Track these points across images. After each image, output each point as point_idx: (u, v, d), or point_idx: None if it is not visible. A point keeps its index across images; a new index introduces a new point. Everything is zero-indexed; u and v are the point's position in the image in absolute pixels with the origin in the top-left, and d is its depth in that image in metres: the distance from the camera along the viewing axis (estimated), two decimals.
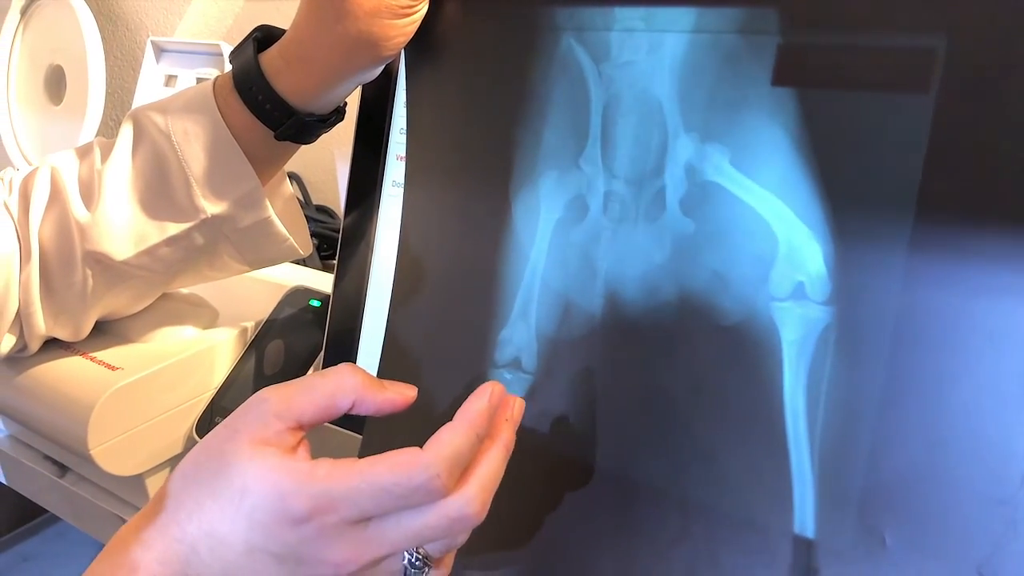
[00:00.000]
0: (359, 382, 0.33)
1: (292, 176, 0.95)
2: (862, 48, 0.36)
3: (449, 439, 0.32)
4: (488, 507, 0.32)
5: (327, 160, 1.00)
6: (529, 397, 0.44)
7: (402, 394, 0.35)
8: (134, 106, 0.99)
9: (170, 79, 0.97)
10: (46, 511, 0.71)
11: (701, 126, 0.39)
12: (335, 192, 1.02)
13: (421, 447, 0.31)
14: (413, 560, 0.33)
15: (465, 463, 0.32)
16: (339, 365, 0.34)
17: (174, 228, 0.50)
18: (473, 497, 0.31)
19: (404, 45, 0.47)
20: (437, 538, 0.32)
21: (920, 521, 0.34)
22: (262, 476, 0.31)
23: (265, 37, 0.50)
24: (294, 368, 0.56)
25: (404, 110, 0.52)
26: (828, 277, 0.36)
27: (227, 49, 0.90)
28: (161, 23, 1.13)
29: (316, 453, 0.33)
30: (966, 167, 0.33)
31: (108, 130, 1.22)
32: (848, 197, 0.36)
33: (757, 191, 0.38)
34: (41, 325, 0.53)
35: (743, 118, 0.38)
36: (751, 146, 0.38)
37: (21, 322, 0.53)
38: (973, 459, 0.33)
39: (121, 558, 0.31)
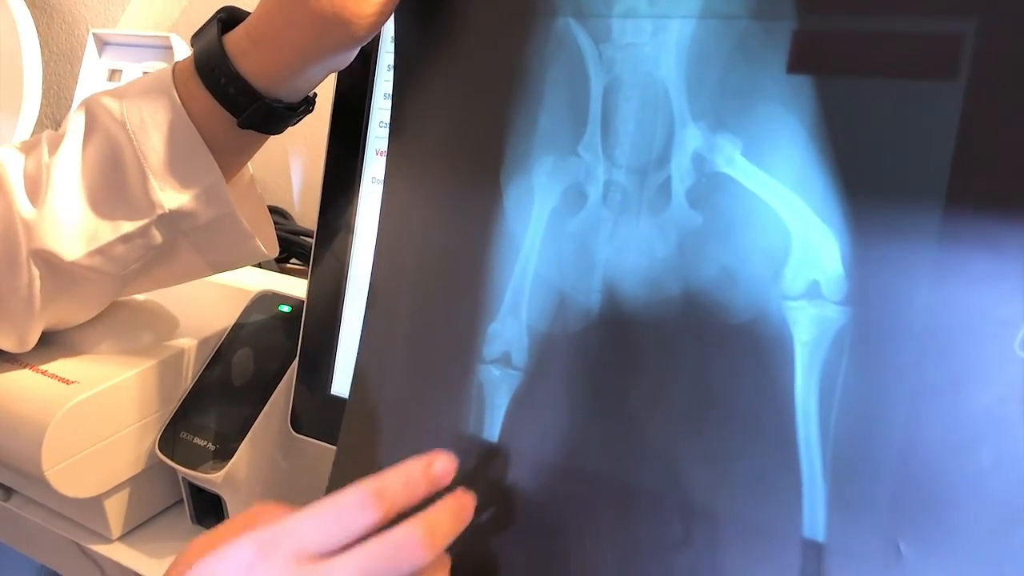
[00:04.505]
0: None
1: None
2: (885, 33, 0.34)
3: (379, 475, 0.35)
4: (437, 550, 0.35)
5: (280, 159, 0.97)
6: (519, 395, 0.42)
7: None
8: (75, 103, 0.95)
9: (114, 73, 0.92)
10: None
11: (711, 114, 0.38)
12: (288, 192, 0.99)
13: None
14: None
15: (396, 495, 0.35)
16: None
17: (129, 225, 0.47)
18: (416, 530, 0.34)
19: (380, 26, 0.44)
20: (383, 568, 0.33)
21: (939, 531, 0.32)
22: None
23: (230, 18, 0.46)
24: (265, 378, 0.53)
25: (385, 103, 0.49)
26: (845, 276, 0.35)
27: (177, 41, 0.86)
28: (102, 15, 1.08)
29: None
30: (999, 155, 0.32)
31: (44, 129, 1.16)
32: (870, 191, 0.34)
33: (771, 184, 0.36)
34: None
35: (756, 107, 0.37)
36: (765, 137, 0.36)
37: None
38: (997, 467, 0.31)
39: None
